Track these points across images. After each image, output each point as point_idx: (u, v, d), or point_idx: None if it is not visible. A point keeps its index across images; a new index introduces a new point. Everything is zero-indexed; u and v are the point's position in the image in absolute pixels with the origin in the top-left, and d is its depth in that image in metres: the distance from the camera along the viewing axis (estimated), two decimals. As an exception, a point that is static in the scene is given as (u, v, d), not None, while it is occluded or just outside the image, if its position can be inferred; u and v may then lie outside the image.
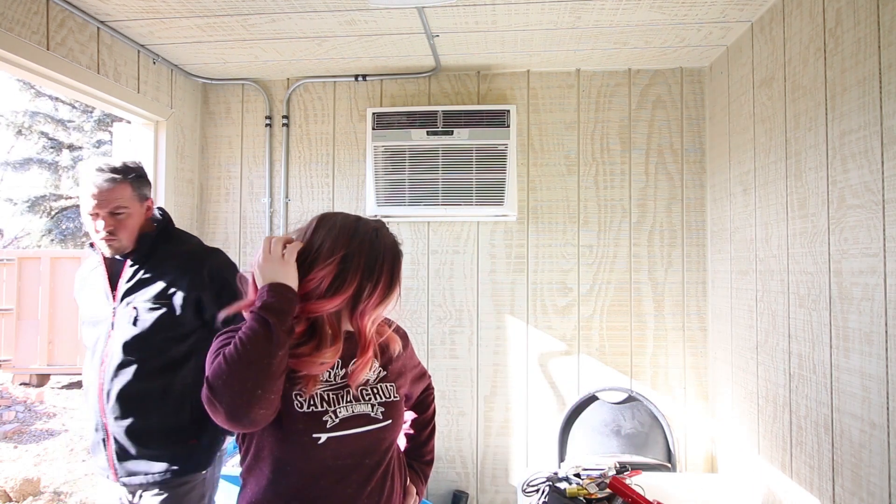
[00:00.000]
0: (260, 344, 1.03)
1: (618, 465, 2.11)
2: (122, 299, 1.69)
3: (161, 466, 1.66)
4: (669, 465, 2.56)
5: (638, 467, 2.23)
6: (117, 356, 1.65)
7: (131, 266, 1.71)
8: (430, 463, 1.49)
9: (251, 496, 1.17)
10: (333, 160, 3.01)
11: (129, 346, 1.65)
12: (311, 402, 1.15)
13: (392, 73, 2.93)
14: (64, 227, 10.90)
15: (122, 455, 1.66)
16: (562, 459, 2.64)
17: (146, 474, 1.66)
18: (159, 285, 1.68)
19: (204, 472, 1.74)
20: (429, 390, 1.52)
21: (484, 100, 2.92)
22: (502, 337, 2.90)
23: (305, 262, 1.15)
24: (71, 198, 11.16)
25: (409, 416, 1.51)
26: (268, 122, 3.03)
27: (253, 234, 3.04)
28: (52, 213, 10.92)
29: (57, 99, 10.99)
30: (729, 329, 2.53)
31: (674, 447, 2.58)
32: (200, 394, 1.05)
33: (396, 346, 1.31)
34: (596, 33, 2.44)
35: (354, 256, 1.14)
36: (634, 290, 2.83)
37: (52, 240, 10.84)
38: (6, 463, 5.05)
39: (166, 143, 2.77)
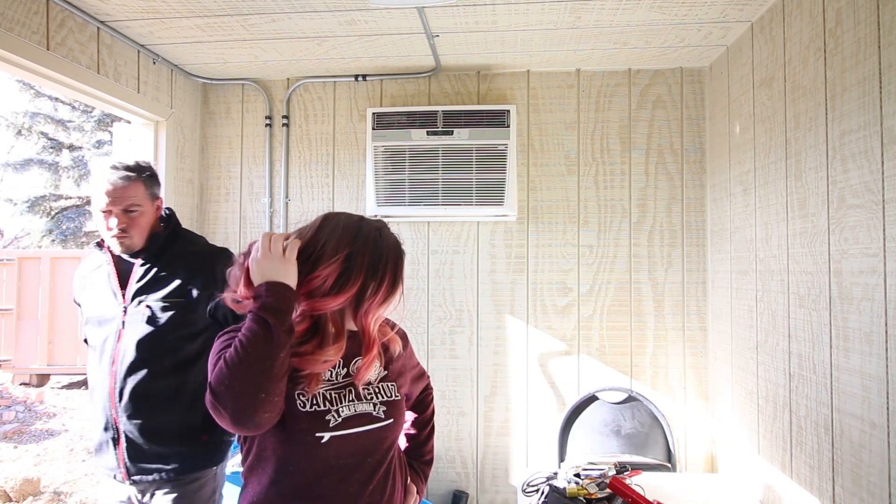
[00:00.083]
0: (260, 346, 1.03)
1: (618, 465, 2.10)
2: (133, 298, 1.69)
3: (174, 464, 1.67)
4: (669, 465, 2.55)
5: (638, 467, 2.23)
6: (130, 355, 1.65)
7: (142, 265, 1.72)
8: (430, 462, 1.50)
9: (253, 496, 1.17)
10: (333, 160, 3.01)
11: (142, 345, 1.65)
12: (314, 402, 1.15)
13: (392, 73, 2.93)
14: (64, 227, 10.90)
15: (135, 454, 1.66)
16: (562, 459, 2.64)
17: (159, 472, 1.66)
18: (172, 284, 1.69)
19: (215, 467, 1.76)
20: (428, 390, 1.53)
21: (484, 100, 2.92)
22: (502, 337, 2.90)
23: (309, 260, 1.15)
24: (71, 198, 11.16)
25: (408, 416, 1.51)
26: (268, 122, 3.03)
27: (253, 234, 3.04)
28: (52, 213, 10.92)
29: (57, 99, 10.99)
30: (729, 329, 2.53)
31: (674, 447, 2.58)
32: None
33: (397, 347, 1.32)
34: (596, 33, 2.44)
35: (358, 255, 1.15)
36: (634, 290, 2.83)
37: (53, 240, 10.84)
38: (6, 463, 5.05)
39: (166, 143, 2.77)
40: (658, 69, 2.84)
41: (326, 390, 1.17)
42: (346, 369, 1.22)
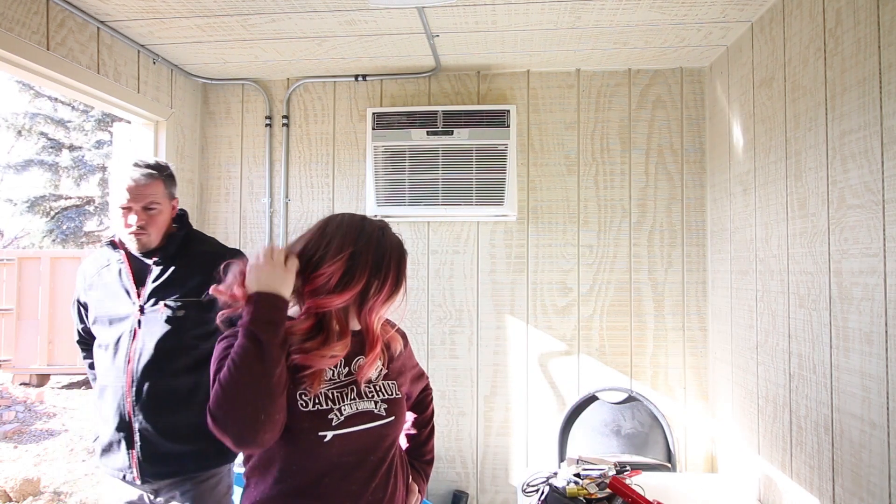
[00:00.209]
0: (254, 365, 1.03)
1: (618, 465, 2.10)
2: (149, 298, 1.69)
3: (191, 462, 1.67)
4: (669, 465, 2.55)
5: (638, 467, 2.23)
6: (148, 354, 1.65)
7: (158, 265, 1.72)
8: (431, 462, 1.51)
9: (256, 495, 1.18)
10: (333, 160, 3.01)
11: (161, 344, 1.66)
12: (317, 401, 1.16)
13: (392, 73, 2.93)
14: (64, 227, 10.90)
15: (149, 453, 1.65)
16: (562, 459, 2.64)
17: (176, 472, 1.66)
18: (190, 284, 1.71)
19: (230, 463, 1.78)
20: (427, 390, 1.54)
21: (484, 100, 2.92)
22: (502, 337, 2.90)
23: (314, 259, 1.16)
24: (71, 198, 11.16)
25: (409, 416, 1.52)
26: (268, 122, 3.03)
27: (253, 234, 3.05)
28: (52, 213, 10.92)
29: (56, 99, 10.99)
30: (729, 329, 2.53)
31: (674, 447, 2.58)
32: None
33: (398, 346, 1.33)
34: (596, 33, 2.44)
35: (362, 254, 1.16)
36: (634, 290, 2.83)
37: (53, 240, 10.84)
38: (6, 463, 5.05)
39: (166, 143, 2.77)
40: (658, 69, 2.84)
41: (328, 389, 1.18)
42: (347, 368, 1.23)
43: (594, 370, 2.83)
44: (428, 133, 2.75)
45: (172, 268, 1.73)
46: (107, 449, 1.71)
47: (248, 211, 3.06)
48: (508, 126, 2.73)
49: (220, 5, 2.19)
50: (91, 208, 11.20)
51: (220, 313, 1.17)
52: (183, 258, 1.76)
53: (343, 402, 1.18)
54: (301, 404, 1.14)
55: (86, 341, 1.87)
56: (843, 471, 1.66)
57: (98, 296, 1.75)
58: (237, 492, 1.78)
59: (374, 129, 2.79)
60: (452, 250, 2.93)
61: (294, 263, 1.13)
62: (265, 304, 1.07)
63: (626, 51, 2.64)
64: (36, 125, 10.77)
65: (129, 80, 2.53)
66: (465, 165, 2.74)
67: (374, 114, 2.80)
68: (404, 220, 2.92)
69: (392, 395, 1.26)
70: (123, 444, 1.67)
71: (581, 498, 1.94)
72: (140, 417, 1.65)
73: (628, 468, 2.11)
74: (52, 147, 11.00)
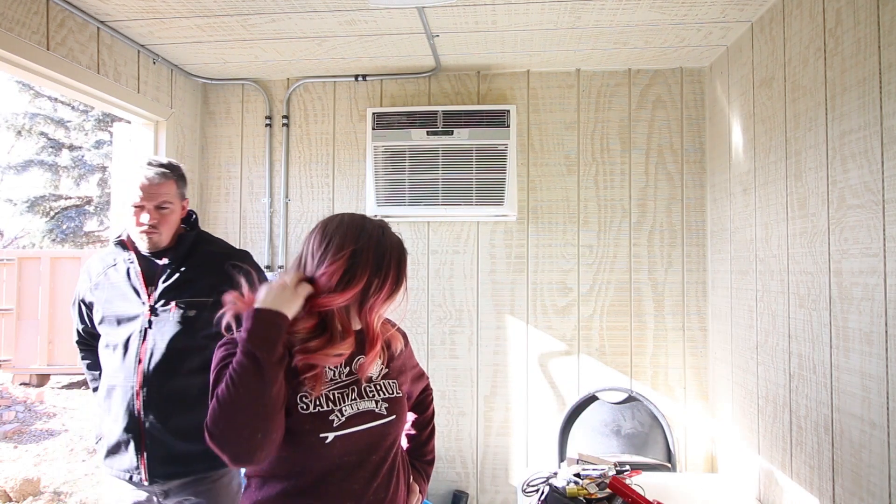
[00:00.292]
0: (251, 384, 1.03)
1: (618, 465, 2.10)
2: (160, 298, 1.69)
3: (203, 462, 1.67)
4: (669, 465, 2.55)
5: (638, 467, 2.23)
6: (159, 354, 1.65)
7: (169, 265, 1.72)
8: (432, 462, 1.51)
9: (257, 496, 1.18)
10: (333, 160, 3.01)
11: (173, 345, 1.66)
12: (317, 403, 1.16)
13: (392, 73, 2.93)
14: (64, 226, 10.90)
15: (159, 454, 1.65)
16: (562, 459, 2.64)
17: (187, 471, 1.66)
18: (201, 285, 1.71)
19: None
20: (427, 391, 1.54)
21: (484, 100, 2.92)
22: (502, 337, 2.90)
23: (316, 259, 1.16)
24: (71, 198, 11.16)
25: (409, 416, 1.52)
26: (268, 122, 3.03)
27: (253, 234, 3.05)
28: (52, 213, 10.91)
29: (56, 99, 10.99)
30: (729, 329, 2.53)
31: (674, 447, 2.58)
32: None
33: (398, 345, 1.33)
34: (596, 33, 2.44)
35: (363, 252, 1.16)
36: (634, 290, 2.83)
37: (53, 239, 10.84)
38: (6, 463, 5.05)
39: (166, 143, 2.77)
40: (658, 69, 2.84)
41: (329, 390, 1.18)
42: (348, 368, 1.23)
43: (594, 370, 2.83)
44: (428, 133, 2.75)
45: (183, 268, 1.73)
46: (113, 450, 1.69)
47: (248, 211, 3.06)
48: (508, 126, 2.73)
49: (220, 5, 2.19)
50: (91, 208, 11.20)
51: (220, 313, 1.17)
52: (193, 259, 1.76)
53: (344, 402, 1.18)
54: (301, 407, 1.14)
55: (85, 341, 1.87)
56: (843, 471, 1.66)
57: (105, 296, 1.74)
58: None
59: (374, 129, 2.79)
60: (452, 250, 2.93)
61: (305, 289, 1.13)
62: (264, 321, 1.07)
63: (626, 51, 2.64)
64: (36, 125, 10.77)
65: (129, 80, 2.53)
66: (465, 165, 2.74)
67: (374, 114, 2.80)
68: (404, 220, 2.92)
69: (393, 393, 1.26)
70: (132, 444, 1.65)
71: (581, 498, 1.94)
72: (151, 417, 1.64)
73: (628, 468, 2.11)
74: (51, 147, 11.00)
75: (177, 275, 1.72)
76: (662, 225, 2.83)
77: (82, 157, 10.92)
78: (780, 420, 2.05)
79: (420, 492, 1.41)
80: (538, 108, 2.90)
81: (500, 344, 2.90)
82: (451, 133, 2.74)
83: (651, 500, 1.90)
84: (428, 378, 1.55)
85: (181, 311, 1.68)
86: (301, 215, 3.02)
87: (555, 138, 2.89)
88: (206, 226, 3.07)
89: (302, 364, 1.14)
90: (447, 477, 2.89)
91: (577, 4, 2.16)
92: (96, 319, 1.76)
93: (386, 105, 2.97)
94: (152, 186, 1.68)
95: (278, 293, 1.11)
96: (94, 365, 1.86)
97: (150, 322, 1.67)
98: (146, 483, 1.66)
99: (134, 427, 1.65)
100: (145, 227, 1.68)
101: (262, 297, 1.11)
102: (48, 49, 2.07)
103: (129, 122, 2.82)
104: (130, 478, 1.67)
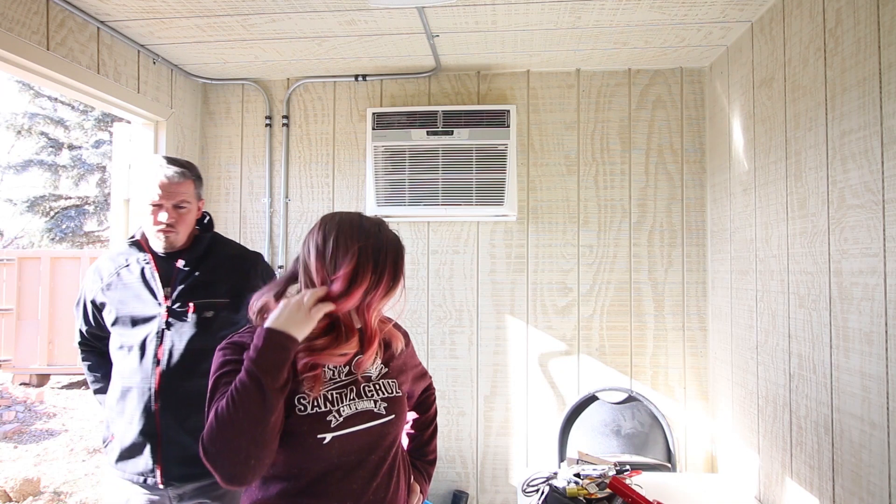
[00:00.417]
0: (252, 409, 1.03)
1: (618, 465, 2.10)
2: (178, 299, 1.68)
3: None
4: (669, 465, 2.56)
5: (638, 467, 2.23)
6: (177, 355, 1.65)
7: (185, 266, 1.72)
8: (433, 462, 1.50)
9: (257, 495, 1.18)
10: (333, 160, 3.01)
11: (191, 346, 1.65)
12: (315, 403, 1.15)
13: (392, 73, 2.93)
14: (64, 226, 10.90)
15: (177, 455, 1.64)
16: (562, 459, 2.64)
17: (203, 473, 1.63)
18: (218, 286, 1.71)
19: None
20: (430, 390, 1.53)
21: (484, 100, 2.92)
22: (502, 337, 2.90)
23: (320, 262, 1.16)
24: (70, 198, 11.15)
25: (411, 416, 1.51)
26: (268, 122, 3.03)
27: (253, 234, 3.04)
28: (52, 213, 10.91)
29: (56, 99, 10.99)
30: (729, 329, 2.53)
31: (674, 447, 2.58)
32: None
33: (399, 344, 1.33)
34: (596, 33, 2.44)
35: (364, 251, 1.15)
36: (634, 290, 2.83)
37: (53, 238, 10.83)
38: (6, 463, 5.05)
39: (166, 143, 2.77)
40: (658, 69, 2.84)
41: (328, 391, 1.18)
42: (347, 367, 1.23)
43: (594, 370, 2.83)
44: (428, 133, 2.75)
45: (200, 270, 1.73)
46: (127, 452, 1.67)
47: (248, 211, 3.06)
48: (508, 126, 2.73)
49: (220, 5, 2.19)
50: (91, 208, 11.20)
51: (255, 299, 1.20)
52: (209, 260, 1.76)
53: (342, 402, 1.18)
54: (299, 409, 1.14)
55: (88, 343, 1.84)
56: (843, 471, 1.66)
57: (119, 296, 1.72)
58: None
59: (374, 129, 2.79)
60: (452, 250, 2.93)
61: (320, 310, 1.13)
62: (273, 344, 1.07)
63: (626, 51, 2.64)
64: (35, 125, 10.77)
65: (129, 80, 2.53)
66: (465, 165, 2.74)
67: (374, 114, 2.80)
68: (404, 220, 2.92)
69: (392, 393, 1.25)
70: (148, 446, 1.64)
71: (581, 498, 1.94)
72: (168, 419, 1.63)
73: (628, 468, 2.11)
74: (51, 147, 11.00)
75: (193, 276, 1.71)
76: (662, 225, 2.83)
77: (80, 156, 10.91)
78: (780, 420, 2.05)
79: (421, 492, 1.41)
80: (538, 108, 2.90)
81: (500, 344, 2.90)
82: (451, 133, 2.74)
83: (651, 500, 1.90)
84: (430, 378, 1.55)
85: (198, 312, 1.67)
86: (301, 215, 3.02)
87: (555, 138, 2.89)
88: (206, 226, 3.07)
89: (303, 364, 1.14)
90: (447, 477, 2.89)
91: (577, 4, 2.16)
92: (108, 320, 1.73)
93: (386, 105, 2.97)
94: (172, 185, 1.67)
95: (292, 313, 1.10)
96: (96, 366, 1.85)
97: (167, 323, 1.67)
98: (161, 486, 1.64)
99: (150, 429, 1.64)
100: (163, 226, 1.67)
101: (276, 316, 1.10)
102: (48, 49, 2.07)
103: (129, 122, 2.82)
104: (145, 480, 1.65)
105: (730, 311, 2.51)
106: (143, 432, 1.64)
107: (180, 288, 1.69)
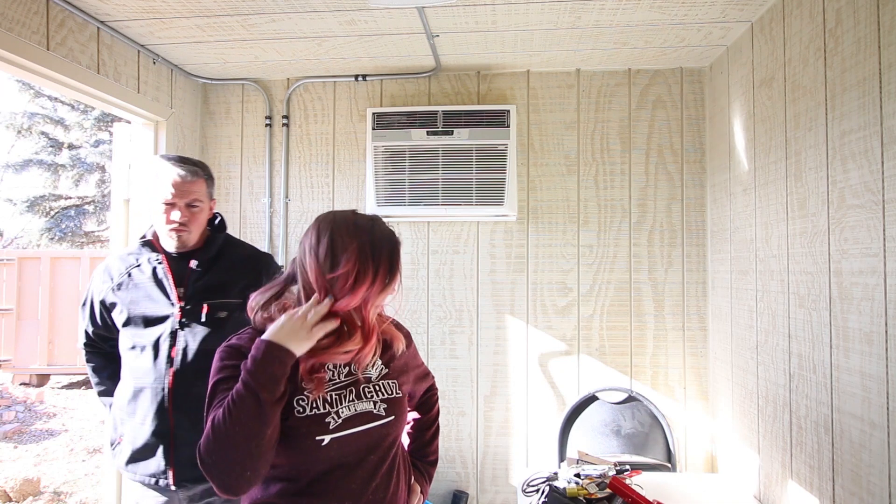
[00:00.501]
0: (249, 422, 1.04)
1: (618, 465, 2.10)
2: (191, 299, 1.68)
3: None
4: (669, 465, 2.56)
5: (638, 467, 2.23)
6: (191, 355, 1.64)
7: (198, 267, 1.71)
8: (435, 463, 1.50)
9: (256, 494, 1.18)
10: (333, 160, 3.01)
11: (204, 346, 1.65)
12: (314, 405, 1.15)
13: (392, 73, 2.93)
14: (64, 226, 10.90)
15: (190, 457, 1.60)
16: (562, 459, 2.64)
17: None
18: (232, 287, 1.71)
19: None
20: (432, 391, 1.53)
21: (484, 100, 2.92)
22: (502, 337, 2.90)
23: (317, 264, 1.15)
24: (70, 198, 11.15)
25: (413, 416, 1.51)
26: (268, 122, 3.03)
27: (253, 234, 3.04)
28: (52, 212, 10.91)
29: (56, 99, 10.98)
30: (729, 329, 2.53)
31: (674, 447, 2.58)
32: None
33: (400, 345, 1.32)
34: (596, 33, 2.44)
35: (359, 248, 1.15)
36: (634, 291, 2.83)
37: (52, 238, 10.83)
38: (6, 463, 5.05)
39: (166, 143, 2.77)
40: (658, 69, 2.84)
41: (327, 392, 1.18)
42: (347, 368, 1.23)
43: (594, 370, 2.83)
44: (428, 133, 2.75)
45: (213, 270, 1.72)
46: (139, 454, 1.66)
47: (248, 211, 3.06)
48: (508, 126, 2.73)
49: (220, 5, 2.19)
50: (91, 208, 11.20)
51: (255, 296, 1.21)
52: (222, 261, 1.76)
53: (341, 404, 1.18)
54: (298, 410, 1.14)
55: (94, 343, 1.82)
56: (843, 471, 1.66)
57: (130, 296, 1.71)
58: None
59: (374, 129, 2.79)
60: (452, 250, 2.93)
61: (321, 331, 1.13)
62: (272, 358, 1.07)
63: (626, 51, 2.64)
64: (35, 125, 10.77)
65: (129, 80, 2.53)
66: (465, 165, 2.74)
67: (374, 114, 2.80)
68: (404, 220, 2.92)
69: (392, 394, 1.25)
70: (161, 447, 1.63)
71: (581, 498, 1.94)
72: (182, 419, 1.62)
73: (628, 468, 2.11)
74: (51, 146, 10.99)
75: (206, 276, 1.71)
76: (662, 225, 2.83)
77: (79, 155, 10.91)
78: (780, 420, 2.05)
79: (422, 492, 1.41)
80: (538, 108, 2.90)
81: (500, 344, 2.90)
82: (451, 133, 2.74)
83: (651, 500, 1.90)
84: (433, 378, 1.55)
85: (212, 312, 1.67)
86: (301, 215, 3.02)
87: (555, 138, 2.89)
88: (206, 226, 3.07)
89: (307, 366, 1.14)
90: (447, 477, 2.89)
91: (577, 4, 2.16)
92: (119, 321, 1.72)
93: (386, 105, 2.97)
94: (185, 184, 1.67)
95: (295, 330, 1.10)
96: (101, 368, 1.83)
97: (180, 323, 1.66)
98: (173, 487, 1.63)
99: (164, 429, 1.63)
100: (176, 225, 1.66)
101: (277, 329, 1.10)
102: (48, 49, 2.07)
103: (128, 122, 2.82)
104: (157, 482, 1.64)
105: (730, 311, 2.51)
106: (155, 433, 1.63)
107: (193, 288, 1.69)
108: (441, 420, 2.85)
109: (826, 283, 1.74)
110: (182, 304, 1.67)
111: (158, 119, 2.75)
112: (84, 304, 1.80)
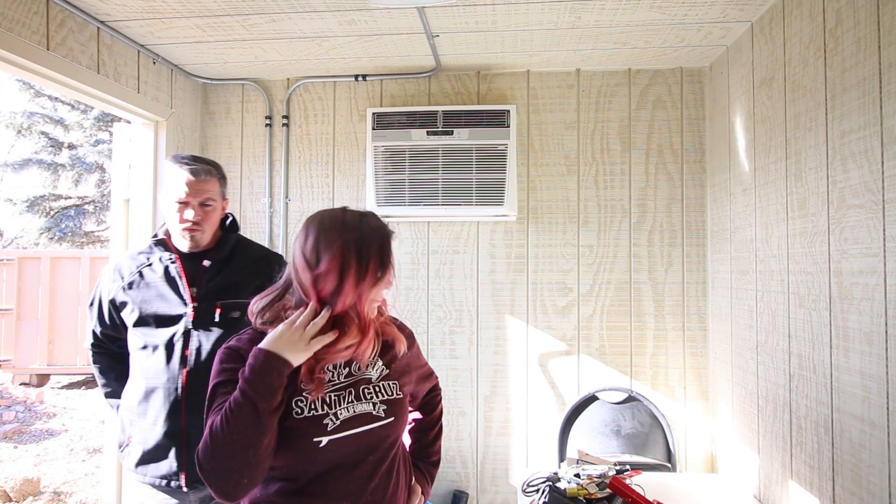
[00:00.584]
0: (246, 431, 1.05)
1: (618, 465, 2.10)
2: (204, 299, 1.67)
3: None
4: (669, 465, 2.56)
5: (638, 467, 2.23)
6: (204, 355, 1.63)
7: (212, 266, 1.71)
8: (437, 464, 1.49)
9: (255, 494, 1.18)
10: (333, 160, 3.01)
11: (217, 346, 1.63)
12: (312, 407, 1.15)
13: (392, 73, 2.93)
14: (64, 226, 10.89)
15: None
16: (562, 459, 2.64)
17: None
18: (245, 287, 1.70)
19: None
20: (435, 391, 1.53)
21: (484, 100, 2.92)
22: (502, 337, 2.90)
23: (307, 266, 1.15)
24: (70, 197, 11.15)
25: (416, 416, 1.51)
26: (268, 122, 3.03)
27: (253, 234, 3.04)
28: (52, 212, 10.91)
29: (56, 99, 10.98)
30: (729, 329, 2.53)
31: (674, 447, 2.58)
32: None
33: (402, 346, 1.31)
34: (596, 33, 2.44)
35: (346, 244, 1.14)
36: (634, 291, 2.83)
37: (51, 238, 10.83)
38: (6, 463, 5.05)
39: (166, 143, 2.77)
40: (658, 69, 2.84)
41: (327, 393, 1.18)
42: (347, 368, 1.23)
43: (594, 370, 2.83)
44: (428, 133, 2.75)
45: (225, 270, 1.72)
46: (150, 455, 1.64)
47: (249, 211, 3.06)
48: (508, 126, 2.73)
49: (220, 5, 2.19)
50: (90, 208, 11.20)
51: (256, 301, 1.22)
52: (235, 261, 1.75)
53: (340, 405, 1.17)
54: (296, 412, 1.14)
55: (102, 344, 1.81)
56: (843, 471, 1.66)
57: (141, 296, 1.69)
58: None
59: (374, 129, 2.79)
60: (452, 250, 2.93)
61: (319, 344, 1.13)
62: (269, 368, 1.08)
63: (626, 51, 2.64)
64: (35, 124, 10.76)
65: (129, 80, 2.52)
66: (465, 165, 2.74)
67: (374, 114, 2.80)
68: (404, 220, 2.92)
69: (392, 395, 1.25)
70: (173, 448, 1.62)
71: (581, 498, 1.94)
72: (195, 420, 1.61)
73: (628, 468, 2.11)
74: (51, 146, 10.99)
75: (219, 276, 1.70)
76: (662, 225, 2.83)
77: (79, 155, 10.91)
78: (780, 420, 2.05)
79: (423, 493, 1.40)
80: (538, 108, 2.90)
81: (500, 344, 2.90)
82: (451, 133, 2.74)
83: (651, 500, 1.90)
84: (437, 379, 1.54)
85: (225, 312, 1.66)
86: (301, 215, 3.02)
87: (555, 138, 2.89)
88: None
89: (308, 367, 1.14)
90: (447, 477, 2.89)
91: (577, 4, 2.16)
92: (130, 320, 1.70)
93: (386, 105, 2.97)
94: (199, 183, 1.66)
95: (292, 341, 1.11)
96: (108, 369, 1.82)
97: (193, 323, 1.65)
98: (185, 489, 1.63)
99: (176, 430, 1.62)
100: (189, 224, 1.66)
101: (274, 338, 1.11)
102: (48, 49, 2.06)
103: (128, 122, 2.82)
104: (168, 483, 1.63)
105: (730, 311, 2.51)
106: (168, 434, 1.62)
107: (207, 288, 1.68)
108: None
109: (826, 283, 1.74)
110: (195, 303, 1.66)
111: (158, 119, 2.75)
112: (92, 304, 1.78)
